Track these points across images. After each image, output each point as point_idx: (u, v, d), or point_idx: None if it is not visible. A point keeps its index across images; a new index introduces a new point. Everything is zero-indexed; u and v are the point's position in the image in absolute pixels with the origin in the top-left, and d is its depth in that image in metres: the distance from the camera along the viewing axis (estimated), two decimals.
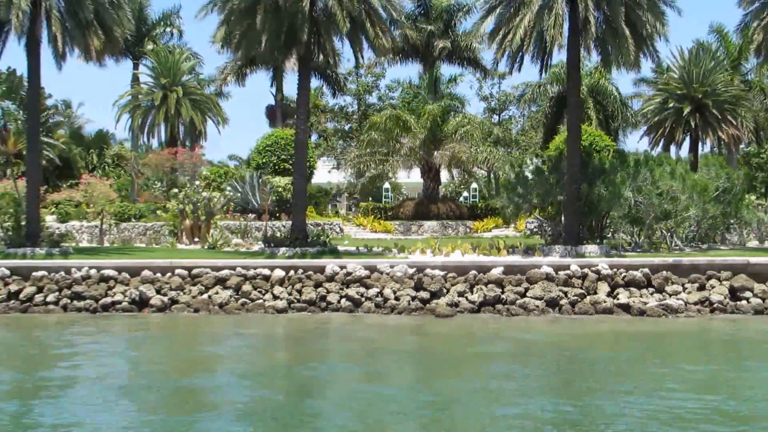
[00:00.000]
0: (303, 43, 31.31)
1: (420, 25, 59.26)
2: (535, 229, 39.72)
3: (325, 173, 63.26)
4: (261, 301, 29.02)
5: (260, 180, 42.35)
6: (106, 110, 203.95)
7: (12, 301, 29.44)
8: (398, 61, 62.08)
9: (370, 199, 54.87)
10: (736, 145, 56.65)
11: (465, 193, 60.72)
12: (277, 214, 43.10)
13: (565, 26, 31.97)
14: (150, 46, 59.12)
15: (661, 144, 54.06)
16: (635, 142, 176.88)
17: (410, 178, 55.83)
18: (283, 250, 32.12)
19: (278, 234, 38.27)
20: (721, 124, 51.97)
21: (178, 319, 27.77)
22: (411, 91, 60.14)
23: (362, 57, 34.83)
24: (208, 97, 56.71)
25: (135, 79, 60.41)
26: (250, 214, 42.11)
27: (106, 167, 67.81)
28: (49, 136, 52.91)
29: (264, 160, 48.03)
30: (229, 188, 41.08)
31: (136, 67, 62.26)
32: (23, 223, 38.54)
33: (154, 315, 28.47)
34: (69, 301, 29.35)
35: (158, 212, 41.63)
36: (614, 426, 14.12)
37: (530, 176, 35.05)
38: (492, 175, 51.35)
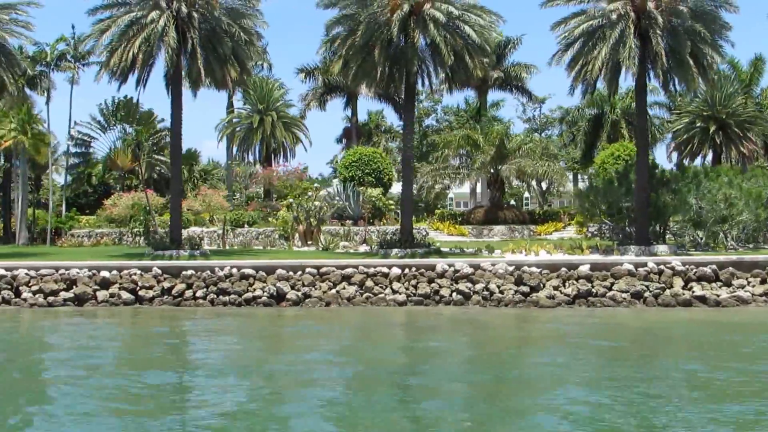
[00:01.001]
0: (413, 73, 31.81)
1: None
2: (595, 232, 40.03)
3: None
4: (382, 295, 29.50)
5: (354, 190, 42.86)
6: (190, 130, 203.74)
7: (165, 296, 30.12)
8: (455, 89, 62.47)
9: (439, 206, 55.59)
10: (750, 159, 57.09)
11: (512, 201, 61.19)
12: (371, 221, 43.62)
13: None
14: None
15: (688, 157, 54.82)
16: (662, 155, 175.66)
17: (461, 188, 56.42)
18: (395, 251, 32.60)
19: (375, 237, 38.81)
20: (742, 141, 52.67)
21: (318, 311, 28.24)
22: (464, 114, 60.88)
23: (456, 86, 35.26)
24: (297, 120, 57.55)
25: (229, 105, 61.14)
26: (347, 221, 42.62)
27: (196, 180, 68.64)
28: (161, 154, 53.67)
29: (350, 174, 48.61)
30: (327, 198, 41.56)
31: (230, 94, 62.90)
32: (152, 228, 39.37)
33: (290, 308, 28.94)
34: (215, 296, 29.96)
35: (270, 219, 42.23)
36: None
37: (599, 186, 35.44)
38: (548, 186, 51.78)
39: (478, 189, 55.96)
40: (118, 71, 32.48)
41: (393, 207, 44.92)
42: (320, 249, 36.23)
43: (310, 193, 40.06)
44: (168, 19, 32.02)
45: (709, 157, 55.75)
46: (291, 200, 39.29)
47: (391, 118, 63.83)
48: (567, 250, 32.73)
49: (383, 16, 31.88)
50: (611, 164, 47.31)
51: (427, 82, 34.73)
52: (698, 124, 52.14)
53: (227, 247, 41.07)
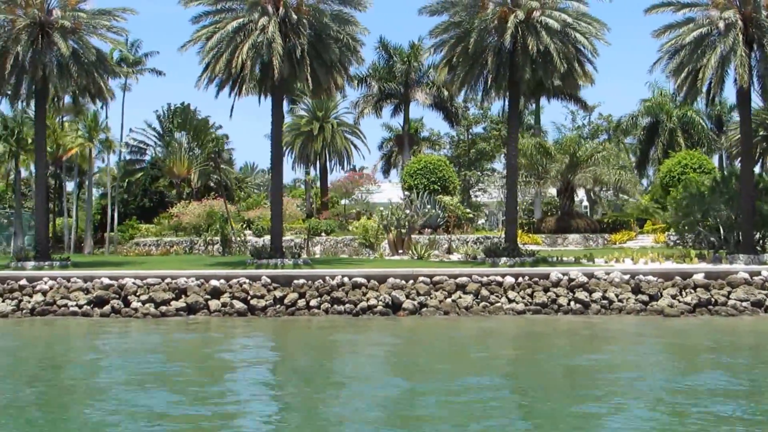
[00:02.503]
0: (525, 81, 31.61)
1: None
2: (678, 241, 39.84)
3: None
4: (499, 304, 29.18)
5: (432, 199, 42.54)
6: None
7: (278, 306, 29.66)
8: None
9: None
10: None
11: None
12: (449, 229, 43.28)
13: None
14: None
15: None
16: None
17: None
18: (504, 259, 32.26)
19: (457, 245, 38.48)
20: None
21: (438, 320, 27.82)
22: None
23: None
24: (355, 127, 57.38)
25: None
26: (426, 229, 42.27)
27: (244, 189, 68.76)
28: (220, 162, 53.41)
29: (415, 182, 48.29)
30: (404, 206, 41.14)
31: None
32: (230, 237, 38.98)
33: (407, 317, 28.51)
34: (330, 305, 29.53)
35: (350, 228, 41.88)
36: None
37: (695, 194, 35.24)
38: (617, 194, 51.68)
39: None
40: (224, 77, 32.12)
41: (470, 215, 44.69)
42: (414, 258, 35.82)
43: (399, 201, 39.52)
44: (275, 25, 31.71)
45: None
46: (382, 209, 38.79)
47: (438, 126, 63.63)
48: (675, 259, 32.51)
49: (491, 23, 31.71)
50: (678, 173, 47.25)
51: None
52: (761, 133, 52.08)
53: (312, 256, 40.66)
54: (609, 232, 48.12)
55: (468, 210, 45.02)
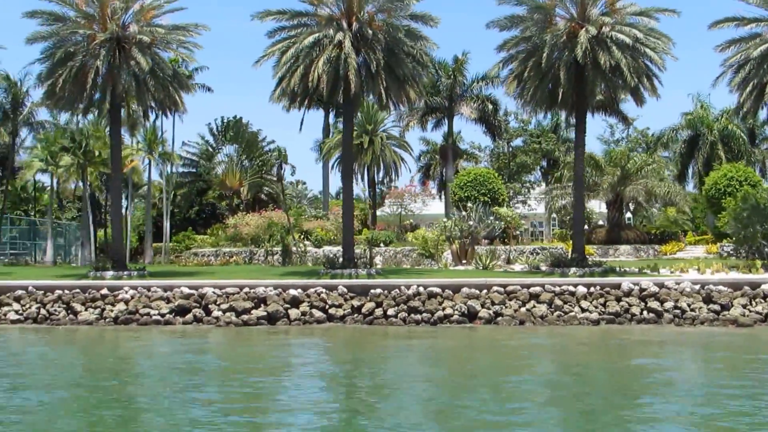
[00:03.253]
0: (594, 95, 32.27)
1: None
2: (731, 252, 40.34)
3: None
4: (573, 313, 29.65)
5: (488, 210, 43.10)
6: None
7: (356, 315, 30.21)
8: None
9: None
10: None
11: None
12: (505, 240, 43.88)
13: None
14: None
15: None
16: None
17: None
18: (573, 269, 32.79)
19: (514, 255, 39.06)
20: None
21: (514, 329, 28.19)
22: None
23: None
24: (403, 140, 58.23)
25: (326, 126, 61.53)
26: (484, 240, 42.83)
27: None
28: (270, 174, 54.19)
29: (465, 194, 48.96)
30: (466, 217, 41.72)
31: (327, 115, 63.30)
32: (293, 248, 39.60)
33: (483, 326, 28.99)
34: (407, 314, 30.05)
35: (409, 238, 42.52)
36: None
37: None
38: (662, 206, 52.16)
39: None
40: (299, 91, 32.86)
41: (525, 226, 45.37)
42: (480, 268, 36.38)
43: (463, 213, 40.08)
44: (349, 40, 32.44)
45: None
46: (445, 220, 39.44)
47: (478, 139, 64.56)
48: (741, 269, 33.01)
49: (561, 38, 32.41)
50: (724, 185, 47.73)
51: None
52: None
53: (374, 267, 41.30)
54: (657, 243, 48.64)
55: (522, 221, 45.69)
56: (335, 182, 64.09)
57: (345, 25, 32.97)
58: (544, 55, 31.64)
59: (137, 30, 33.77)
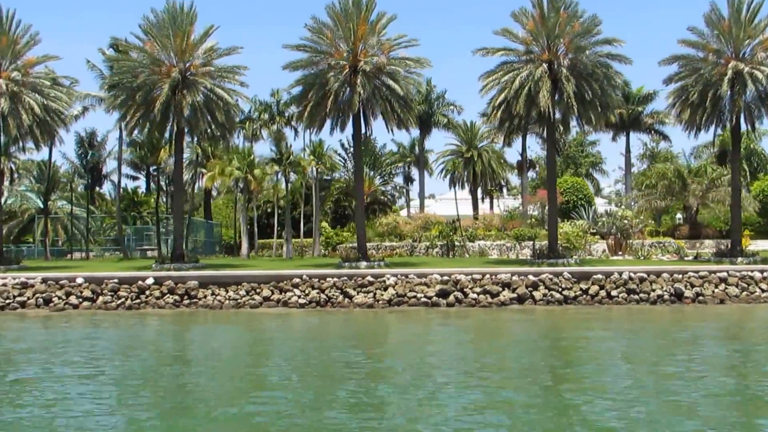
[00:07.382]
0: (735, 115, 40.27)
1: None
2: None
3: None
4: (757, 293, 36.30)
5: (612, 211, 49.57)
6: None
7: (583, 296, 36.22)
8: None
9: None
10: None
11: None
12: (632, 236, 50.50)
13: None
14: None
15: None
16: None
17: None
18: (740, 258, 39.90)
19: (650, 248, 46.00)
20: None
21: (721, 308, 34.73)
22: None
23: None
24: (501, 154, 65.01)
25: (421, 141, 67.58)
26: (610, 236, 49.36)
27: None
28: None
29: (566, 198, 55.69)
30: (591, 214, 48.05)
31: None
32: (459, 243, 45.27)
33: (691, 305, 35.25)
34: (627, 294, 36.08)
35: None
36: None
37: None
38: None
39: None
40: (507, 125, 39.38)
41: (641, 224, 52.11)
42: (641, 258, 43.03)
43: (622, 208, 46.61)
44: (546, 75, 39.25)
45: None
46: (600, 216, 45.93)
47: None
48: None
49: (713, 71, 39.91)
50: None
51: None
52: None
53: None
54: (725, 238, 56.57)
55: (637, 221, 52.44)
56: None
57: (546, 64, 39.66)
58: (699, 84, 39.58)
59: (386, 62, 39.19)
